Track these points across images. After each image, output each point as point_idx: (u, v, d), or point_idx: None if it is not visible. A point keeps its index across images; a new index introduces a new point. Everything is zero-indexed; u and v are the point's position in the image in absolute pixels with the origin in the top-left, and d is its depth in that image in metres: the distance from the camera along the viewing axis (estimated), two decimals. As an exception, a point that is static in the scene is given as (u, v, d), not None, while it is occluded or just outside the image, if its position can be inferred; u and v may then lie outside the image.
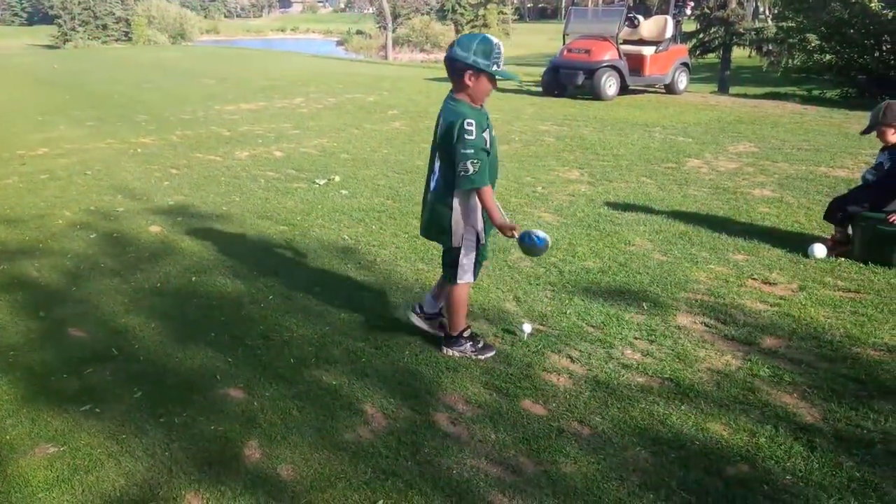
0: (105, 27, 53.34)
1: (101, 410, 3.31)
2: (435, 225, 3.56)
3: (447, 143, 3.31)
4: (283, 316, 4.28)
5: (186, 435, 3.11)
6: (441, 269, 3.79)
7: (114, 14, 53.89)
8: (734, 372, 3.56)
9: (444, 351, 3.74)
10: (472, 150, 3.23)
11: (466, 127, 3.23)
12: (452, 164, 3.31)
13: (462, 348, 3.72)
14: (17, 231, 6.02)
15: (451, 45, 3.28)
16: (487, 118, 3.42)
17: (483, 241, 3.58)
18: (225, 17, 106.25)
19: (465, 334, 3.73)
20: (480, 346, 3.74)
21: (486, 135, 3.34)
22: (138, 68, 24.40)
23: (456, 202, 3.42)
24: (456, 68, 3.27)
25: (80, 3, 52.11)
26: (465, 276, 3.60)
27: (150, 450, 3.01)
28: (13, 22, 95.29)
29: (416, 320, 3.89)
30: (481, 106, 3.42)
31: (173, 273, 5.02)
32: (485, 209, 3.41)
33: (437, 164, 3.49)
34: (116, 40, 53.15)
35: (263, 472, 2.87)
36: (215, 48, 43.09)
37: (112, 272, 5.04)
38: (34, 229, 6.05)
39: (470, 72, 3.25)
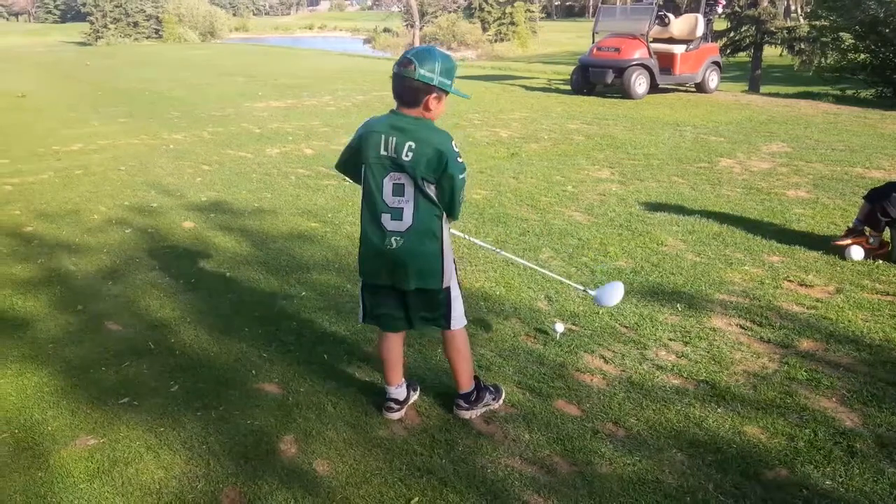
0: (136, 24, 54.03)
1: (138, 403, 3.36)
2: (426, 268, 2.94)
3: (432, 171, 2.80)
4: (316, 312, 4.31)
5: (223, 429, 3.14)
6: (388, 329, 3.16)
7: (145, 11, 54.57)
8: (771, 375, 3.52)
9: (465, 415, 3.19)
10: (464, 175, 2.87)
11: (456, 149, 2.83)
12: (426, 192, 2.84)
13: (484, 402, 3.22)
14: (53, 226, 6.12)
15: (408, 63, 2.76)
16: None
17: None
18: (254, 14, 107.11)
19: (480, 385, 3.25)
20: (493, 389, 3.30)
21: None
22: (169, 65, 24.67)
23: (444, 234, 2.95)
24: (418, 89, 2.78)
25: (111, 0, 52.80)
26: (463, 318, 3.14)
27: (188, 443, 3.05)
28: (46, 19, 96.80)
29: (397, 416, 3.23)
30: None
31: (207, 268, 5.07)
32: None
33: (406, 196, 2.85)
34: (147, 37, 53.82)
35: (299, 466, 2.89)
36: (244, 45, 43.45)
37: (147, 267, 5.10)
38: (70, 224, 6.15)
39: (434, 94, 2.81)
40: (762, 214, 6.10)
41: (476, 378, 3.24)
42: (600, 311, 4.22)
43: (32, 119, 12.46)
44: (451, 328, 3.09)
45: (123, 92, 16.47)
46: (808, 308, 4.25)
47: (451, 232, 3.11)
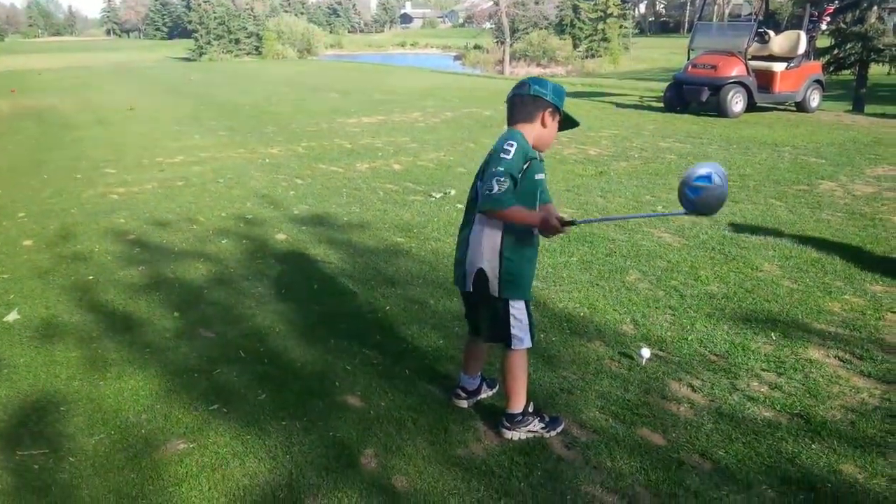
0: (238, 41, 56.28)
1: (227, 410, 3.46)
2: (461, 257, 3.13)
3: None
4: (400, 326, 4.36)
5: (306, 439, 3.21)
6: (469, 330, 3.41)
7: (246, 29, 56.80)
8: (871, 412, 3.33)
9: (506, 434, 3.18)
10: (503, 169, 2.78)
11: (506, 147, 2.83)
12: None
13: (529, 426, 3.19)
14: (156, 234, 6.41)
15: (522, 84, 2.99)
16: (542, 163, 3.04)
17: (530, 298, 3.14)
18: (348, 32, 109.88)
19: (530, 409, 3.22)
20: (548, 420, 3.24)
21: (538, 177, 2.98)
22: (267, 81, 25.56)
23: (485, 236, 2.98)
24: (534, 105, 2.94)
25: (215, 18, 55.26)
26: (524, 341, 3.10)
27: (272, 452, 3.12)
28: (155, 35, 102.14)
29: (464, 404, 3.44)
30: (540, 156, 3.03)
31: (297, 279, 5.20)
32: (520, 224, 2.94)
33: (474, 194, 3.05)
34: (248, 54, 56.00)
35: (379, 481, 2.91)
36: (339, 62, 44.58)
37: (241, 277, 5.28)
38: (171, 233, 6.43)
39: (550, 109, 2.96)
40: (864, 241, 5.80)
41: (532, 403, 3.23)
42: (689, 338, 4.10)
43: (140, 131, 13.14)
44: (512, 347, 3.11)
45: (224, 106, 17.15)
46: (914, 342, 4.01)
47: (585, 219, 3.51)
